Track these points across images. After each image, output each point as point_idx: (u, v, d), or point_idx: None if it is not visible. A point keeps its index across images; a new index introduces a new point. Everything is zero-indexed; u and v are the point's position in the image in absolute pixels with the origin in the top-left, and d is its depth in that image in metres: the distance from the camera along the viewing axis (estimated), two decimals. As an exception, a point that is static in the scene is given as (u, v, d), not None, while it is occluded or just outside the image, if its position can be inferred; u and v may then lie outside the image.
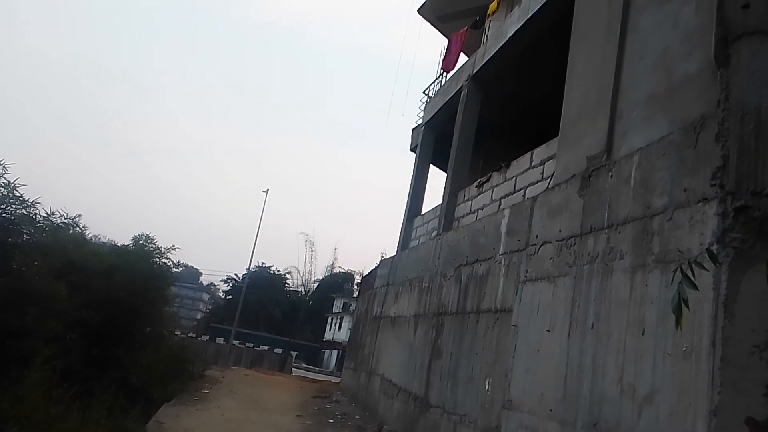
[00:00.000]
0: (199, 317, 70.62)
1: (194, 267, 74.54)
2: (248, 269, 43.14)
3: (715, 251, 3.26)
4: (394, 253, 13.53)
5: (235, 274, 58.81)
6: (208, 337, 34.81)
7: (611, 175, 5.06)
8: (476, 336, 7.13)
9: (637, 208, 4.55)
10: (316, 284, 54.29)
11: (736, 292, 3.36)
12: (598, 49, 5.93)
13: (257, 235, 47.94)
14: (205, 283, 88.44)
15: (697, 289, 2.79)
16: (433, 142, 13.71)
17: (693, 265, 2.83)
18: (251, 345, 37.62)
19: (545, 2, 7.78)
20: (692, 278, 2.78)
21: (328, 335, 55.39)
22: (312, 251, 52.23)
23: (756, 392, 3.23)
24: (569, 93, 6.50)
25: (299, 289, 53.87)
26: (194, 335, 31.00)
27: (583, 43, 6.43)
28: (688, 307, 2.75)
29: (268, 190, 36.63)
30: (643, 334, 4.08)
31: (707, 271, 3.04)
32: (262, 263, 57.90)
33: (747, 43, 3.88)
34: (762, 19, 3.88)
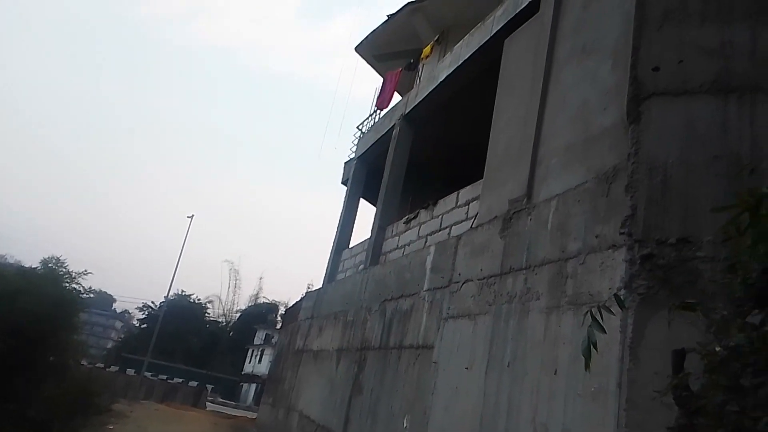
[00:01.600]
0: (109, 346, 66.55)
1: (107, 293, 70.59)
2: (166, 297, 41.27)
3: (622, 296, 3.43)
4: (321, 286, 13.38)
5: (152, 302, 56.11)
6: (117, 368, 32.79)
7: (530, 219, 5.26)
8: (398, 372, 7.10)
9: (554, 251, 4.73)
10: (238, 314, 52.61)
11: (641, 336, 3.53)
12: (522, 98, 6.23)
13: (178, 262, 46.16)
14: (118, 310, 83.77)
15: (605, 333, 2.90)
16: (365, 176, 13.83)
17: (602, 309, 2.96)
18: (165, 377, 35.74)
19: (475, 51, 8.13)
20: (601, 322, 2.90)
21: (248, 368, 53.51)
22: (236, 280, 50.71)
23: (658, 433, 3.38)
24: (495, 138, 6.77)
25: (220, 319, 51.99)
26: (103, 366, 29.14)
27: (509, 92, 6.74)
28: (596, 350, 2.86)
29: (193, 215, 35.59)
30: (555, 374, 4.20)
31: (614, 315, 3.18)
32: (182, 291, 55.61)
33: (656, 102, 4.19)
34: (670, 80, 4.21)
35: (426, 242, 8.56)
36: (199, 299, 56.08)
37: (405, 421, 6.48)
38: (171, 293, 44.01)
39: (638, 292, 3.58)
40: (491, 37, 7.66)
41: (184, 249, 59.66)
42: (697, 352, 2.34)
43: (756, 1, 4.17)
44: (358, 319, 9.21)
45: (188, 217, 35.48)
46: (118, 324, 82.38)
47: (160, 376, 35.44)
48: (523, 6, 6.84)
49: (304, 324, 13.07)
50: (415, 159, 11.50)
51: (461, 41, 9.06)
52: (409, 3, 14.21)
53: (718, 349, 2.13)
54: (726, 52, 4.12)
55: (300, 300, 14.90)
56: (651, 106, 4.16)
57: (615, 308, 3.24)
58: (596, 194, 4.46)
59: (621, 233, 4.01)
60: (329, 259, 13.29)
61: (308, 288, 15.11)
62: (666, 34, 4.28)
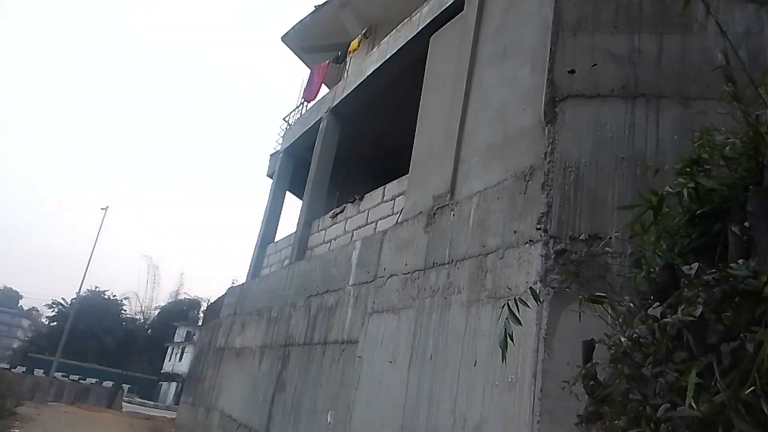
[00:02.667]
0: (15, 346, 62.12)
1: (13, 289, 65.76)
2: (78, 293, 38.98)
3: (537, 290, 3.57)
4: (244, 281, 13.09)
5: (63, 299, 52.86)
6: (24, 369, 30.65)
7: (453, 215, 5.38)
8: (322, 368, 7.07)
9: (475, 247, 4.86)
10: (157, 311, 50.49)
11: (554, 328, 3.70)
12: (446, 96, 6.34)
13: (91, 257, 43.61)
14: (25, 308, 78.38)
15: (521, 325, 3.01)
16: (291, 169, 13.63)
17: (518, 302, 3.07)
18: (77, 378, 33.79)
19: (402, 47, 8.20)
20: (517, 314, 3.01)
21: (168, 367, 51.53)
22: (155, 276, 48.60)
23: (570, 421, 3.55)
24: (420, 135, 6.86)
25: (138, 317, 49.70)
26: (8, 367, 27.13)
27: (434, 89, 6.85)
28: (512, 342, 2.96)
29: (107, 207, 33.72)
30: (475, 365, 4.32)
31: (530, 308, 3.30)
32: (96, 287, 52.71)
33: (571, 104, 4.39)
34: (584, 84, 4.42)
35: (352, 237, 8.56)
36: (114, 296, 53.35)
37: (328, 416, 6.47)
38: (84, 290, 41.66)
39: (552, 285, 3.74)
40: (417, 33, 7.75)
41: (99, 243, 56.57)
42: (604, 343, 2.47)
43: (662, 13, 4.45)
44: (283, 316, 9.09)
45: (102, 209, 33.58)
46: (25, 322, 77.06)
47: (72, 377, 33.46)
48: (447, 5, 6.96)
49: (226, 321, 12.75)
50: (343, 153, 11.46)
51: (388, 37, 9.10)
52: (336, -4, 14.13)
53: (622, 340, 2.26)
54: (635, 59, 4.38)
55: (222, 296, 14.51)
56: (566, 108, 4.35)
57: (531, 301, 3.38)
58: (514, 192, 4.61)
59: (537, 229, 4.18)
60: (253, 254, 13.02)
61: (233, 284, 14.70)
62: (580, 40, 4.48)
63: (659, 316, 2.08)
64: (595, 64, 4.41)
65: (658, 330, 2.08)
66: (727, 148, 2.63)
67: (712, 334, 1.89)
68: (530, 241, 4.23)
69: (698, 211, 2.55)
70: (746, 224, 2.10)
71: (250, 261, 13.08)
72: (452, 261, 5.12)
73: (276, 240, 12.82)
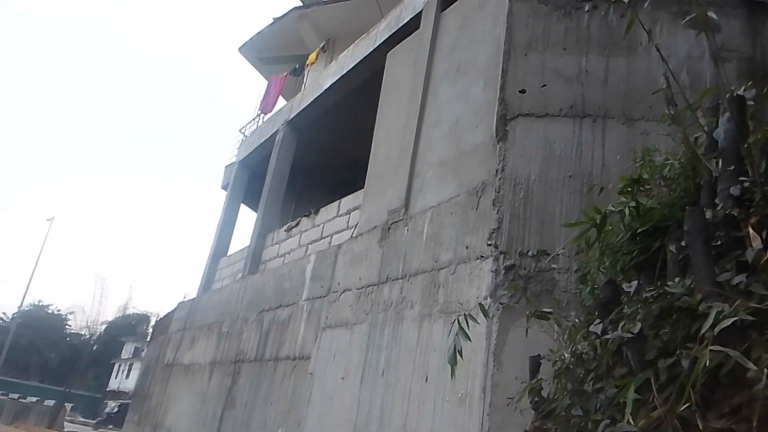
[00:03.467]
0: (-52, 363, 58.72)
1: (-52, 303, 62.33)
2: (20, 308, 37.24)
3: (486, 305, 3.60)
4: (195, 296, 12.76)
5: (3, 313, 50.40)
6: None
7: (407, 229, 5.39)
8: (273, 384, 6.94)
9: (428, 261, 4.88)
10: (104, 326, 48.69)
11: (503, 343, 3.74)
12: (402, 111, 6.39)
13: (34, 270, 41.87)
14: (-39, 323, 74.29)
15: (470, 341, 3.03)
16: (246, 181, 13.43)
17: (468, 317, 3.09)
18: (17, 396, 32.15)
19: (359, 61, 8.23)
20: (467, 330, 3.02)
21: (114, 384, 49.61)
22: (103, 289, 46.91)
23: (517, 435, 3.58)
24: (376, 149, 6.87)
25: (83, 332, 47.77)
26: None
27: (390, 104, 6.89)
28: (462, 357, 2.97)
29: (53, 217, 32.47)
30: (426, 380, 4.32)
31: (478, 324, 3.32)
32: (40, 301, 50.48)
33: (521, 122, 4.48)
34: (534, 103, 4.53)
35: (307, 251, 8.48)
36: (59, 310, 51.19)
37: (279, 433, 6.34)
38: (26, 304, 39.84)
39: (501, 301, 3.79)
40: (375, 48, 7.79)
41: (44, 255, 54.25)
42: (547, 359, 2.50)
43: (609, 36, 4.61)
44: (234, 330, 8.89)
45: (48, 219, 32.32)
46: (-40, 338, 73.05)
47: (11, 395, 31.83)
48: (404, 22, 7.04)
49: (175, 336, 12.38)
50: (299, 165, 11.38)
51: (346, 51, 9.13)
52: (295, 8, 14.11)
53: (566, 355, 2.30)
54: (582, 80, 4.51)
55: (172, 311, 14.10)
56: (517, 126, 4.44)
57: (481, 317, 3.40)
58: (467, 207, 4.66)
59: (488, 245, 4.23)
60: (205, 268, 12.71)
61: (184, 298, 14.33)
62: (531, 60, 4.60)
63: (600, 332, 2.12)
64: (545, 84, 4.52)
65: (599, 346, 2.12)
66: (667, 168, 2.73)
67: (650, 350, 1.94)
68: (481, 256, 4.28)
69: (639, 229, 2.62)
70: (683, 243, 2.17)
71: (201, 275, 12.77)
72: (406, 275, 5.13)
73: (229, 253, 12.57)
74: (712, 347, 1.73)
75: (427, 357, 4.43)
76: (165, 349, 12.86)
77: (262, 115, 14.04)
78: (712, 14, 2.38)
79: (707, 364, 1.67)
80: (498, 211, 4.22)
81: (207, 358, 9.67)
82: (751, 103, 2.64)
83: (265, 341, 7.64)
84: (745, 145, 2.31)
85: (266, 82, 15.01)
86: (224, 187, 14.30)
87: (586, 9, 4.68)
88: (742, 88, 2.65)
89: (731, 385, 1.78)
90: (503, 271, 3.97)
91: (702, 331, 1.73)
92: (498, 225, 4.17)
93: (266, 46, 15.30)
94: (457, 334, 2.99)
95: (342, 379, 5.45)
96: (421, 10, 6.63)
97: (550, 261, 3.78)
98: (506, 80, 4.60)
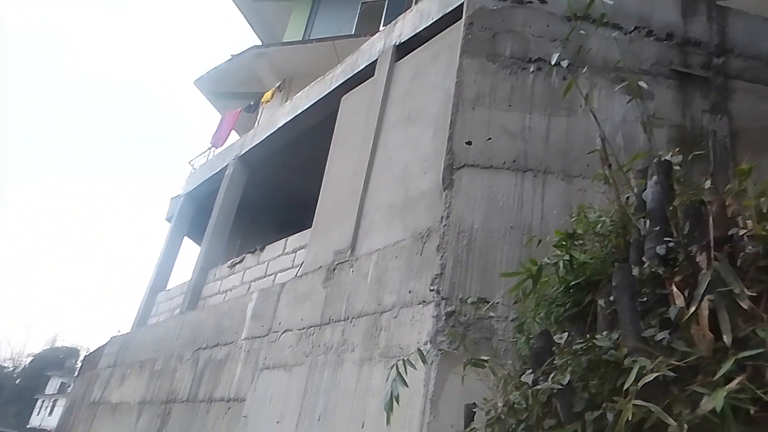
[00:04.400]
0: None
1: None
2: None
3: (426, 351, 3.61)
4: (129, 330, 12.21)
5: None
6: None
7: (353, 270, 5.39)
8: (205, 427, 6.65)
9: (371, 304, 4.87)
10: (30, 359, 45.69)
11: (441, 390, 3.74)
12: (353, 154, 6.47)
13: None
14: None
15: (407, 387, 3.02)
16: (192, 214, 13.14)
17: (406, 363, 3.09)
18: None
19: (314, 103, 8.32)
20: (404, 375, 3.01)
21: (36, 420, 46.30)
22: (30, 320, 44.27)
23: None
24: (325, 188, 6.90)
25: (6, 364, 44.64)
26: None
27: (342, 146, 6.97)
28: (398, 403, 2.95)
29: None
30: (363, 427, 4.24)
31: (416, 369, 3.32)
32: (-41, 332, 47.10)
33: (467, 172, 4.61)
34: (480, 154, 4.68)
35: (249, 288, 8.30)
36: (-20, 341, 47.88)
37: (208, 480, 6.05)
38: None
39: (440, 347, 3.81)
40: (330, 92, 7.91)
41: (-34, 280, 50.84)
42: (481, 407, 2.52)
43: (551, 96, 4.86)
44: (168, 369, 8.53)
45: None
46: None
47: None
48: (360, 69, 7.20)
49: (104, 372, 11.76)
50: (248, 201, 11.25)
51: (302, 92, 9.22)
52: (254, 47, 14.23)
53: (498, 404, 2.33)
54: (526, 135, 4.72)
55: (103, 345, 13.43)
56: (462, 175, 4.57)
57: (419, 363, 3.40)
58: (412, 251, 4.72)
59: (431, 290, 4.27)
60: (142, 301, 12.23)
61: (118, 332, 13.66)
62: (478, 114, 4.78)
63: (532, 383, 2.16)
64: (491, 138, 4.70)
65: (530, 396, 2.16)
66: (599, 225, 2.86)
67: (578, 402, 1.99)
68: (424, 301, 4.31)
69: (572, 282, 2.72)
70: (611, 297, 2.27)
71: (137, 309, 12.27)
72: (348, 317, 5.09)
73: (168, 287, 12.16)
74: (635, 401, 1.80)
75: (366, 402, 4.37)
76: (93, 386, 12.18)
77: (213, 148, 13.91)
78: (643, 83, 2.56)
79: (630, 419, 1.73)
80: (442, 257, 4.29)
81: (137, 397, 9.20)
82: (678, 167, 2.83)
83: (200, 381, 7.35)
84: (671, 207, 2.46)
85: (220, 117, 14.95)
86: (168, 219, 13.95)
87: (531, 70, 4.94)
88: (670, 153, 2.84)
89: (653, 438, 1.85)
90: (444, 317, 4.01)
91: (626, 385, 1.79)
92: (441, 271, 4.23)
93: (222, 81, 15.28)
94: (394, 380, 2.98)
95: (277, 423, 5.29)
96: (377, 59, 6.82)
97: (489, 309, 3.85)
98: (454, 131, 4.75)
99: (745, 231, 2.58)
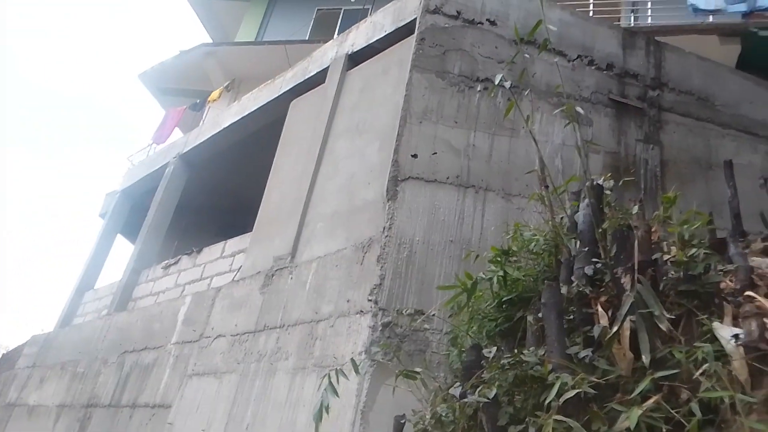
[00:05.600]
0: None
1: None
2: None
3: (359, 361, 3.60)
4: (52, 330, 11.59)
5: None
6: None
7: (292, 278, 5.32)
8: (127, 434, 6.37)
9: (308, 312, 4.82)
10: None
11: (373, 401, 3.73)
12: (299, 161, 6.41)
13: None
14: None
15: (338, 397, 2.99)
16: (127, 211, 12.65)
17: (339, 373, 3.06)
18: None
19: (262, 106, 8.21)
20: (336, 386, 2.99)
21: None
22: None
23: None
24: (269, 194, 6.80)
25: None
26: None
27: (288, 153, 6.90)
28: (327, 414, 2.92)
29: None
30: (292, 437, 4.17)
31: (348, 380, 3.30)
32: None
33: (411, 185, 4.65)
34: (424, 168, 4.73)
35: (183, 291, 8.05)
36: None
37: (126, 490, 5.79)
38: None
39: (374, 358, 3.80)
40: (278, 96, 7.82)
41: None
42: (409, 420, 2.53)
43: (495, 116, 4.98)
44: (91, 372, 8.14)
45: None
46: None
47: None
48: (311, 75, 7.16)
49: (22, 373, 11.09)
50: (187, 202, 10.93)
51: (250, 93, 9.08)
52: (204, 44, 13.93)
53: (426, 417, 2.34)
54: (469, 153, 4.81)
55: (23, 344, 12.68)
56: (406, 188, 4.60)
57: (352, 373, 3.38)
58: (352, 261, 4.70)
59: (369, 300, 4.26)
60: (68, 300, 11.64)
61: (41, 332, 12.94)
62: (425, 129, 4.84)
63: (459, 396, 2.19)
64: (436, 152, 4.76)
65: (458, 409, 2.18)
66: (533, 243, 2.94)
67: (502, 416, 2.03)
68: (361, 311, 4.30)
69: (505, 298, 2.78)
70: (540, 314, 2.33)
71: (62, 307, 11.67)
72: (284, 325, 5.01)
73: (96, 286, 11.63)
74: (556, 417, 1.84)
75: (296, 412, 4.30)
76: (9, 387, 11.46)
77: (154, 145, 13.48)
78: (579, 109, 2.66)
79: (550, 433, 1.77)
80: (382, 267, 4.29)
81: (56, 400, 8.72)
82: (609, 192, 2.95)
83: (124, 386, 7.05)
84: (600, 230, 2.56)
85: (164, 113, 14.52)
86: (102, 216, 13.39)
87: (478, 89, 5.05)
88: (602, 178, 2.96)
89: (571, 453, 1.90)
90: (380, 328, 4.00)
91: (548, 401, 1.84)
92: (380, 281, 4.23)
93: (169, 77, 14.86)
94: (325, 390, 2.95)
95: (203, 431, 5.13)
96: (328, 66, 6.80)
97: (424, 321, 3.87)
98: (400, 144, 4.79)
99: (669, 256, 2.72)
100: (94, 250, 12.32)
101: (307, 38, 13.49)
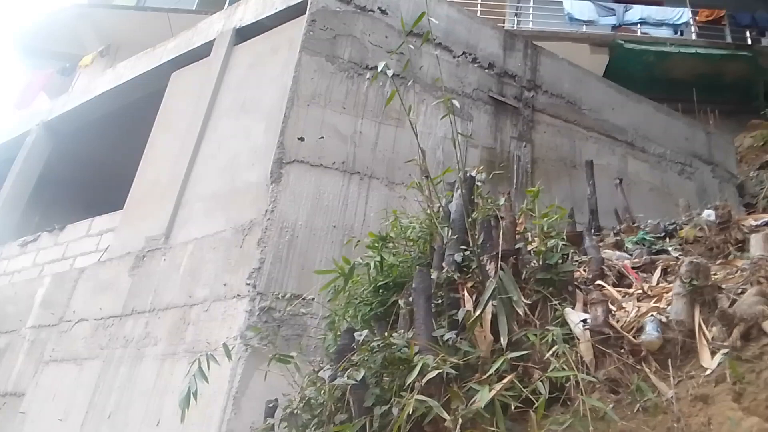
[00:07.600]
0: None
1: None
2: None
3: (233, 346, 3.51)
4: None
5: None
6: None
7: (165, 260, 5.06)
8: (-32, 427, 5.75)
9: (181, 296, 4.62)
10: None
11: (246, 386, 3.67)
12: (178, 137, 6.07)
13: None
14: None
15: (208, 382, 2.90)
16: (-22, 182, 11.34)
17: (209, 358, 2.96)
18: None
19: (139, 75, 7.68)
20: (206, 371, 2.89)
21: None
22: None
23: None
24: (143, 171, 6.40)
25: None
26: None
27: (167, 128, 6.53)
28: (196, 400, 2.82)
29: None
30: (158, 425, 4.00)
31: (219, 365, 3.21)
32: None
33: (296, 168, 4.60)
34: (311, 152, 4.69)
35: (42, 271, 7.37)
36: None
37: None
38: None
39: (250, 343, 3.73)
40: (159, 66, 7.35)
41: None
42: (279, 404, 2.52)
43: (382, 105, 5.05)
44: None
45: None
46: None
47: None
48: (195, 46, 6.80)
49: None
50: (51, 175, 9.99)
51: (127, 61, 8.46)
52: (77, 4, 12.77)
53: (296, 400, 2.34)
54: (356, 139, 4.84)
55: None
56: (291, 171, 4.54)
57: (221, 359, 3.29)
58: (231, 244, 4.56)
59: (247, 284, 4.17)
60: None
61: None
62: (312, 112, 4.79)
63: (329, 378, 2.21)
64: (323, 137, 4.74)
65: (326, 391, 2.21)
66: (410, 230, 3.03)
67: (369, 397, 2.08)
68: (238, 295, 4.19)
69: (381, 283, 2.85)
70: (410, 298, 2.41)
71: None
72: (154, 309, 4.76)
73: (-61, 265, 10.34)
74: (418, 397, 1.92)
75: (164, 399, 4.11)
76: None
77: (15, 111, 12.18)
78: (455, 102, 2.77)
79: (411, 413, 1.85)
80: (262, 251, 4.21)
81: None
82: (481, 184, 3.11)
83: (-32, 374, 6.35)
84: (470, 219, 2.69)
85: (29, 75, 13.15)
86: (-53, 186, 11.87)
87: (367, 77, 5.08)
88: (475, 170, 3.11)
89: (432, 432, 1.99)
90: (258, 312, 3.94)
91: (410, 381, 1.91)
92: (260, 265, 4.15)
93: (37, 36, 13.45)
94: (194, 376, 2.85)
95: (60, 420, 4.76)
96: (214, 39, 6.50)
97: (303, 306, 3.86)
98: (287, 126, 4.70)
99: (532, 246, 2.92)
100: (-64, 224, 10.91)
101: (194, 8, 12.80)
